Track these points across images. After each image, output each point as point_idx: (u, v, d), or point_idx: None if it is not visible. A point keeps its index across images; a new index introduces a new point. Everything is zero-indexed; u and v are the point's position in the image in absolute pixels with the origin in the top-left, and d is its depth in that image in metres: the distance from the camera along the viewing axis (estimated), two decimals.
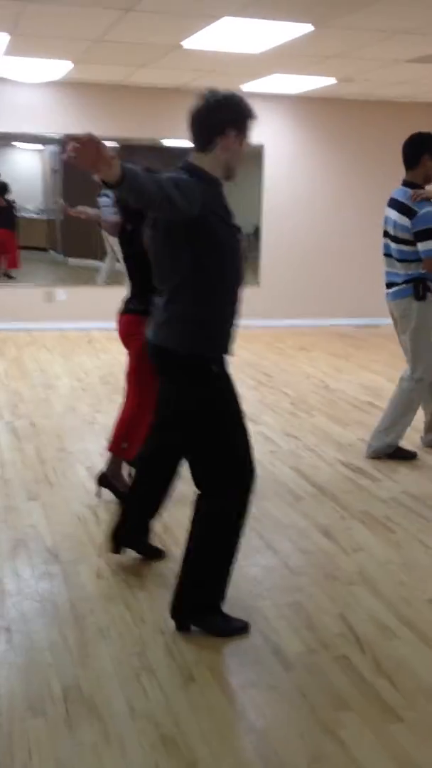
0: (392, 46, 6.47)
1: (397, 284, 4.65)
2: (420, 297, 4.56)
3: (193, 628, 2.88)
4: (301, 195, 9.93)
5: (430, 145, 4.57)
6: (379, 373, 7.29)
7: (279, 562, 3.49)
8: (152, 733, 2.34)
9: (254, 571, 3.41)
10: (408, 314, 4.63)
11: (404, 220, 4.48)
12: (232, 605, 3.07)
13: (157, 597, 3.14)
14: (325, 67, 7.55)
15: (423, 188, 4.56)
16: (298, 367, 7.58)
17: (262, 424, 5.60)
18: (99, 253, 9.74)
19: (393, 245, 4.61)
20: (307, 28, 5.86)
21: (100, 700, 2.49)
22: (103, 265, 9.75)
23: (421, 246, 4.44)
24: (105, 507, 4.05)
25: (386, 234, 4.68)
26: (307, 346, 8.68)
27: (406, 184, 4.60)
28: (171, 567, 3.38)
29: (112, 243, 9.64)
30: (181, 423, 2.86)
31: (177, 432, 2.92)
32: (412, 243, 4.49)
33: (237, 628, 2.88)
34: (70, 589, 3.19)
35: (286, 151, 9.82)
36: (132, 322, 3.87)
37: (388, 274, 4.71)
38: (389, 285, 4.71)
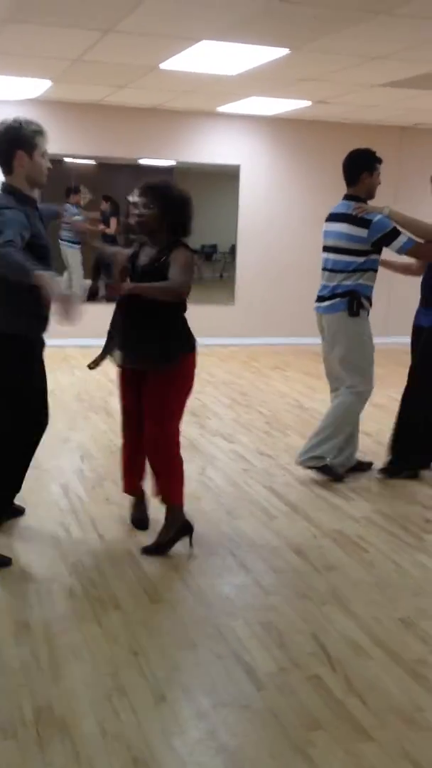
0: (367, 71, 6.57)
1: (329, 298, 4.70)
2: (354, 313, 4.62)
3: (166, 646, 2.89)
4: (276, 214, 10.02)
5: (367, 163, 4.68)
6: None
7: (251, 580, 3.50)
8: (124, 754, 2.34)
9: (227, 589, 3.42)
10: (341, 329, 4.67)
11: (360, 231, 4.55)
12: (203, 623, 3.08)
13: (130, 616, 3.13)
14: (300, 90, 7.65)
15: (365, 202, 4.66)
16: (272, 386, 7.62)
17: (236, 442, 5.62)
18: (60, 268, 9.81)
19: (333, 257, 4.67)
20: (284, 51, 5.95)
21: (72, 721, 2.48)
22: (62, 279, 9.77)
23: (395, 244, 4.52)
24: (78, 525, 4.04)
25: (326, 248, 4.76)
26: (281, 365, 8.73)
27: (349, 197, 4.69)
28: (145, 586, 3.39)
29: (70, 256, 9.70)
30: None
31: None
32: (359, 254, 4.57)
33: None
34: (42, 609, 3.18)
35: (262, 170, 9.91)
36: None
37: (323, 287, 4.77)
38: (321, 299, 4.77)
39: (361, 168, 4.68)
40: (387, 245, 4.55)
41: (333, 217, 4.75)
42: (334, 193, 10.72)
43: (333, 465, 4.76)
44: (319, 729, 2.47)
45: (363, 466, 4.99)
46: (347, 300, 4.62)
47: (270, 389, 7.44)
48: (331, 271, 4.72)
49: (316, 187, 9.97)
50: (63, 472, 4.85)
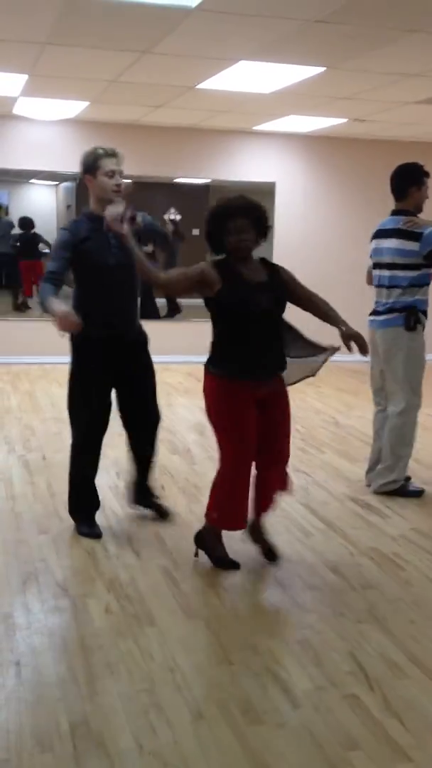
0: (403, 88, 6.58)
1: (386, 313, 4.69)
2: (410, 327, 4.61)
3: (201, 667, 2.89)
4: (312, 231, 10.04)
5: (415, 177, 4.67)
6: None
7: (288, 598, 3.48)
8: None
9: (263, 606, 3.41)
10: (397, 344, 4.67)
11: (411, 245, 4.54)
12: (239, 640, 3.07)
13: (166, 633, 3.14)
14: (336, 108, 7.68)
15: (416, 215, 4.65)
16: (308, 402, 7.60)
17: None
18: None
19: (388, 273, 4.67)
20: (319, 70, 5.98)
21: (108, 737, 2.48)
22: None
23: None
24: (114, 542, 4.06)
25: (379, 265, 4.74)
26: (316, 382, 8.67)
27: (397, 212, 4.68)
28: (180, 603, 3.39)
29: None
30: None
31: None
32: (413, 268, 4.56)
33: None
34: (79, 624, 3.20)
35: (298, 187, 9.94)
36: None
37: (377, 303, 4.77)
38: (377, 313, 4.76)
39: (409, 182, 4.68)
40: None
41: (382, 234, 4.75)
42: (370, 210, 10.71)
43: (411, 483, 4.91)
44: (356, 749, 2.45)
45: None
46: (405, 315, 4.63)
47: (306, 405, 7.42)
48: (388, 287, 4.71)
49: (352, 204, 9.98)
50: (99, 489, 4.87)
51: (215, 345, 3.62)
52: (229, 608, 3.37)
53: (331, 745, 2.47)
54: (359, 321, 9.58)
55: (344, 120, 8.40)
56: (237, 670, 2.88)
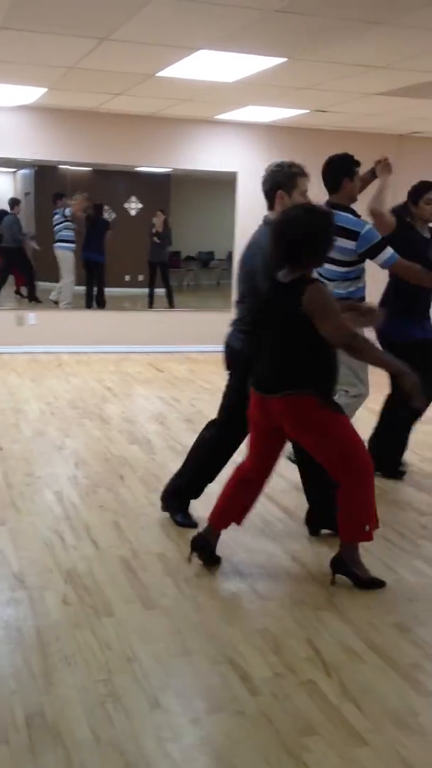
0: (365, 80, 6.59)
1: None
2: None
3: (154, 655, 2.88)
4: None
5: (345, 168, 4.67)
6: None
7: (247, 587, 3.49)
8: (117, 760, 2.32)
9: (222, 595, 3.40)
10: None
11: (347, 243, 4.52)
12: (198, 629, 3.07)
13: (123, 623, 3.12)
14: (298, 98, 7.67)
15: (349, 208, 4.63)
16: None
17: None
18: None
19: (324, 266, 4.68)
20: (281, 60, 5.96)
21: (65, 728, 2.46)
22: (58, 285, 9.91)
23: (381, 257, 4.53)
24: (72, 532, 4.02)
25: None
26: None
27: (333, 206, 4.68)
28: (139, 593, 3.37)
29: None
30: None
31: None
32: (347, 264, 4.59)
33: None
34: (35, 616, 3.16)
35: (259, 177, 9.90)
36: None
37: None
38: None
39: (341, 174, 4.67)
40: (372, 257, 4.55)
41: None
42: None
43: None
44: (314, 734, 2.46)
45: None
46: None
47: None
48: (325, 279, 4.72)
49: (314, 194, 9.99)
50: (57, 479, 4.84)
51: (316, 366, 3.36)
52: (188, 597, 3.36)
53: (288, 732, 2.47)
54: None
55: (306, 111, 8.40)
56: (195, 659, 2.88)
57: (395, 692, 2.71)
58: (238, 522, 3.66)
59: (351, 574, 3.54)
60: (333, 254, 4.62)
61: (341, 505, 3.46)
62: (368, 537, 3.47)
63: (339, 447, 3.38)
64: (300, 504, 4.54)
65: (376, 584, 3.53)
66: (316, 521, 4.13)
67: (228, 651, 2.93)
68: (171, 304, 10.44)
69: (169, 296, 10.49)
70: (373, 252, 4.53)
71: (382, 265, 4.58)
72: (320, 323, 3.23)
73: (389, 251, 4.54)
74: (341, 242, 4.57)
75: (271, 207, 3.98)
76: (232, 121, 9.42)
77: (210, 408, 6.77)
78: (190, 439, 5.75)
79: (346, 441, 3.39)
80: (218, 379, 7.96)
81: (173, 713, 2.55)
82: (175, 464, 4.48)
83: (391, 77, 6.46)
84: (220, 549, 3.79)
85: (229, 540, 3.94)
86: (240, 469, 3.63)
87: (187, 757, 2.35)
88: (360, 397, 4.77)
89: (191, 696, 2.65)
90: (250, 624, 3.15)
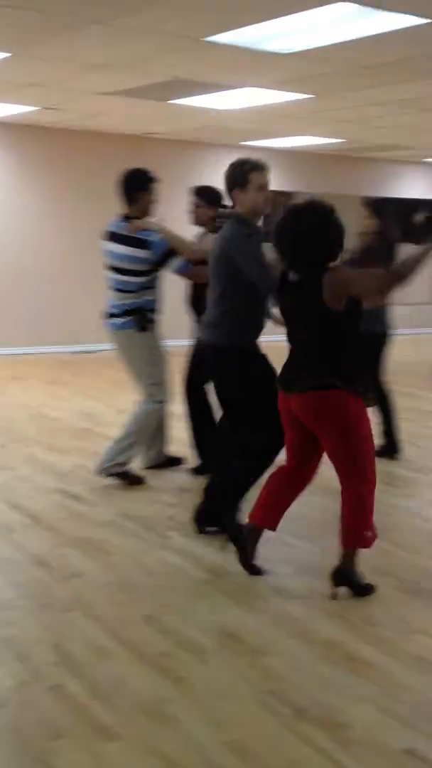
0: (92, 79, 6.61)
1: (118, 315, 4.75)
2: (142, 328, 4.72)
3: None
4: (8, 221, 9.77)
5: (141, 183, 4.76)
6: (98, 399, 7.33)
7: None
8: None
9: None
10: (132, 344, 4.78)
11: (141, 252, 4.61)
12: None
13: None
14: (25, 95, 7.53)
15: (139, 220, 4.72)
16: (12, 397, 7.41)
17: None
18: None
19: (117, 277, 4.74)
20: (6, 55, 5.82)
21: None
22: None
23: (173, 263, 4.61)
24: None
25: (111, 268, 4.80)
26: (21, 375, 8.52)
27: (126, 218, 4.73)
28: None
29: None
30: None
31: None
32: (142, 273, 4.66)
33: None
34: None
35: None
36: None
37: (113, 305, 4.81)
38: (112, 316, 4.81)
39: (135, 188, 4.74)
40: (164, 265, 4.64)
41: (111, 237, 4.78)
42: (67, 201, 10.71)
43: (132, 469, 4.88)
44: (62, 737, 2.41)
45: (173, 462, 5.17)
46: (134, 318, 4.71)
47: (8, 401, 7.22)
48: (118, 291, 4.76)
49: (48, 194, 9.82)
50: None
51: (342, 360, 3.31)
52: None
53: (36, 739, 2.40)
54: (65, 307, 9.60)
55: (35, 108, 8.27)
56: None
57: (144, 683, 2.73)
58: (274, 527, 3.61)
59: (353, 584, 3.41)
60: (126, 264, 4.64)
61: (346, 511, 3.37)
62: (369, 543, 3.40)
63: (360, 448, 3.35)
64: (47, 508, 4.46)
65: (371, 589, 3.45)
66: (205, 518, 4.07)
67: None
68: None
69: None
70: (166, 259, 4.61)
71: (174, 271, 4.65)
72: (359, 290, 3.27)
73: (179, 258, 4.61)
74: (133, 252, 4.61)
75: (233, 206, 3.91)
76: None
77: None
78: None
79: (367, 444, 3.38)
80: None
81: None
82: None
83: (114, 77, 6.54)
84: None
85: None
86: (280, 470, 3.58)
87: None
88: (164, 403, 4.84)
89: None
90: None
